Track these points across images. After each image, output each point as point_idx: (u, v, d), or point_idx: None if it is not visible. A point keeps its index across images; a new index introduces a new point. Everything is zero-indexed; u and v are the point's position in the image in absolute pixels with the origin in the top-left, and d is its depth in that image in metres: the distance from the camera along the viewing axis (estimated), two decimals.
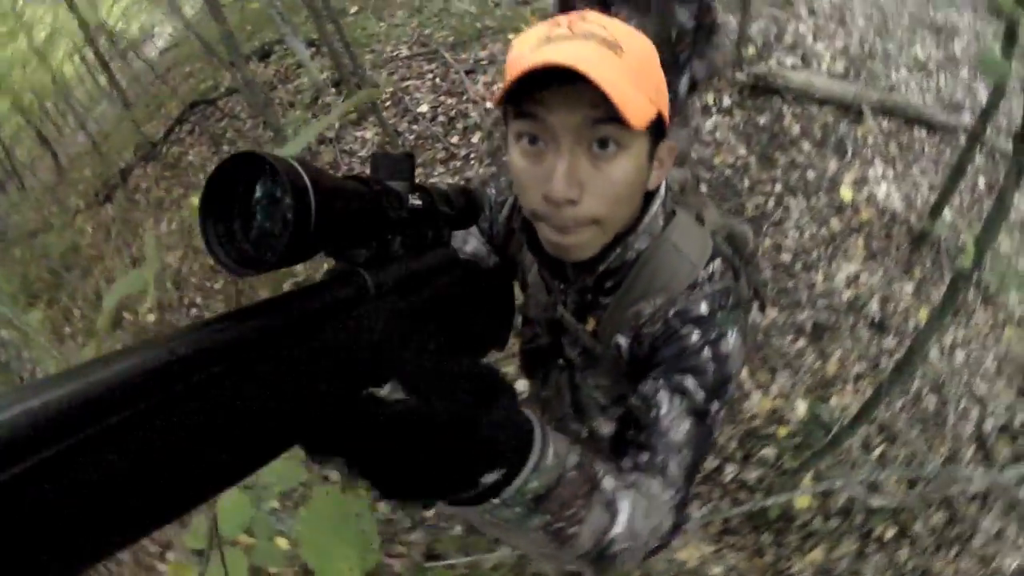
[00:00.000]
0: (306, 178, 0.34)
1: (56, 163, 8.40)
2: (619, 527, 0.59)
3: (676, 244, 0.77)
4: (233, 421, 0.29)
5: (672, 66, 1.83)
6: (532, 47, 0.64)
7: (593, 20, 0.65)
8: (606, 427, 1.02)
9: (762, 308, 0.96)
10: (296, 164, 0.35)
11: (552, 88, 0.61)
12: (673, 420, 0.69)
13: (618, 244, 0.75)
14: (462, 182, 3.24)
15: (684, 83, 1.89)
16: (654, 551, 0.69)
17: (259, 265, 0.36)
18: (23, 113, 9.28)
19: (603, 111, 0.59)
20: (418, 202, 0.50)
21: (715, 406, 0.71)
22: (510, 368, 2.43)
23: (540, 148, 0.66)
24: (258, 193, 0.36)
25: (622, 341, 0.81)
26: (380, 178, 0.49)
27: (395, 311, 0.44)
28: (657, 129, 0.68)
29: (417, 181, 0.52)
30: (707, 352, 0.71)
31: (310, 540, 0.77)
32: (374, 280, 0.43)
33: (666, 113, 0.69)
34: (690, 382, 0.70)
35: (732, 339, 0.72)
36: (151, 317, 3.98)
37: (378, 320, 0.42)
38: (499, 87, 0.65)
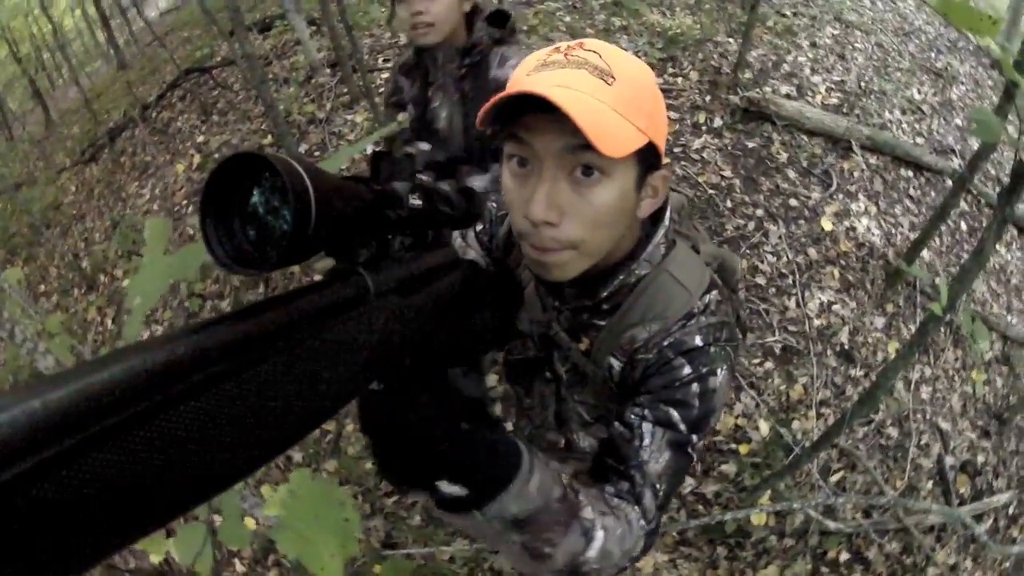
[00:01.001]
0: (306, 178, 0.34)
1: (46, 116, 8.26)
2: (592, 551, 0.62)
3: (674, 274, 0.78)
4: (233, 421, 0.29)
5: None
6: (528, 71, 0.66)
7: (590, 47, 0.66)
8: (585, 440, 1.03)
9: (743, 335, 0.98)
10: (296, 164, 0.34)
11: (538, 114, 0.62)
12: (653, 453, 0.71)
13: (621, 270, 0.77)
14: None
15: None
16: (623, 568, 0.71)
17: (259, 265, 0.36)
18: (19, 62, 9.12)
19: (584, 139, 0.60)
20: (418, 202, 0.50)
21: (696, 438, 0.73)
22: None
23: (528, 171, 0.68)
24: (258, 193, 0.36)
25: (615, 363, 0.83)
26: (380, 178, 0.49)
27: (395, 311, 0.44)
28: (648, 157, 0.69)
29: (417, 181, 0.52)
30: (695, 387, 0.73)
31: (291, 527, 0.77)
32: (374, 280, 0.43)
33: (660, 142, 0.70)
34: (675, 415, 0.72)
35: (721, 376, 0.74)
36: (126, 283, 3.94)
37: (378, 320, 0.42)
38: None
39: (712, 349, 0.75)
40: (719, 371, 0.74)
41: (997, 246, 3.56)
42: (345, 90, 3.70)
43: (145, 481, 0.24)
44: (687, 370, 0.74)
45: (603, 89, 0.63)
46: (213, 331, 0.30)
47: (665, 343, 0.76)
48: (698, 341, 0.75)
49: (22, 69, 9.14)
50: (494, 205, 0.98)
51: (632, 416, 0.73)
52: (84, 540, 0.22)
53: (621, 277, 0.78)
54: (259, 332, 0.32)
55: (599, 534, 0.62)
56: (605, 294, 0.79)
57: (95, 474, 0.22)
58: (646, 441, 0.72)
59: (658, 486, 0.71)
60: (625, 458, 0.72)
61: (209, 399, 0.28)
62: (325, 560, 0.76)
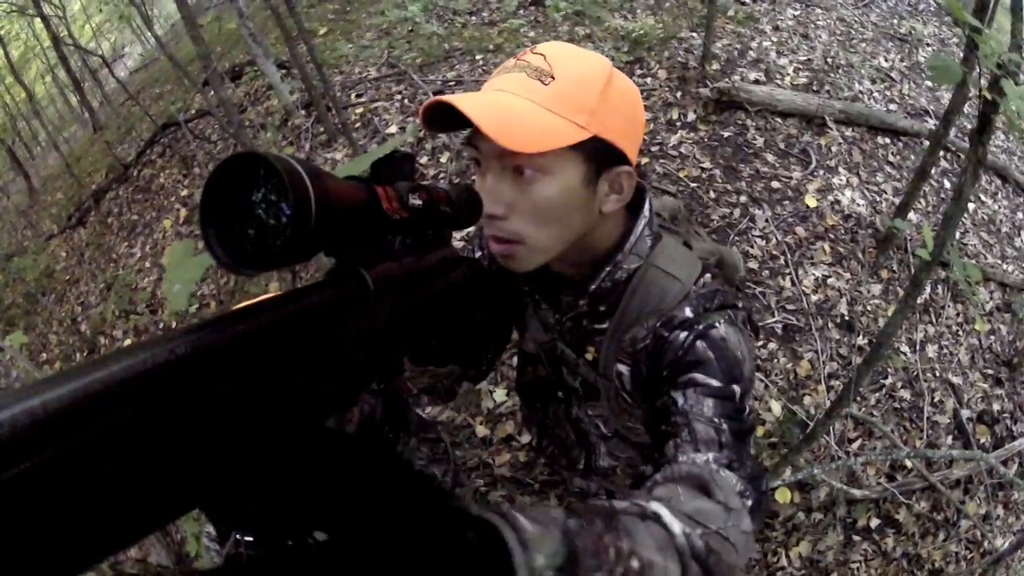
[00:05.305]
0: (306, 178, 0.34)
1: (29, 185, 8.29)
2: (672, 522, 0.49)
3: (663, 267, 0.78)
4: (234, 421, 0.28)
5: None
6: (490, 79, 0.71)
7: (539, 51, 0.70)
8: (605, 459, 1.03)
9: (756, 333, 0.97)
10: (296, 164, 0.34)
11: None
12: (693, 405, 0.66)
13: (607, 264, 0.77)
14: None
15: None
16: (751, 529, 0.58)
17: (259, 265, 0.35)
18: None
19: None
20: (418, 202, 0.49)
21: (735, 388, 0.68)
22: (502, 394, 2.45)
23: (482, 171, 0.71)
24: (258, 193, 0.36)
25: (623, 369, 0.82)
26: (380, 178, 0.48)
27: (395, 310, 0.44)
28: (597, 153, 0.70)
29: (417, 181, 0.52)
30: (700, 344, 0.70)
31: None
32: (374, 280, 0.43)
33: (615, 138, 0.70)
34: (698, 376, 0.68)
35: (722, 328, 0.72)
36: (127, 342, 3.94)
37: (378, 319, 0.41)
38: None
39: (703, 315, 0.74)
40: (718, 324, 0.72)
41: (983, 197, 3.59)
42: (322, 129, 3.73)
43: (147, 481, 0.24)
44: (683, 335, 0.72)
45: (536, 89, 0.66)
46: (213, 331, 0.29)
47: (658, 324, 0.76)
48: (688, 312, 0.74)
49: (0, 139, 9.18)
50: None
51: (661, 402, 0.69)
52: (84, 540, 0.22)
53: (608, 269, 0.78)
54: (259, 332, 0.32)
55: (656, 505, 0.51)
56: (594, 287, 0.79)
57: (96, 474, 0.22)
58: (680, 402, 0.67)
59: (715, 421, 0.64)
60: (670, 431, 0.66)
61: (209, 399, 0.27)
62: None
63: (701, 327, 0.71)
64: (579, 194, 0.70)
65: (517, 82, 0.66)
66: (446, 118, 0.66)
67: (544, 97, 0.65)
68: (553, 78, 0.66)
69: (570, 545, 0.40)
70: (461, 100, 0.62)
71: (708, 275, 0.79)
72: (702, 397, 0.66)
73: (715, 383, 0.67)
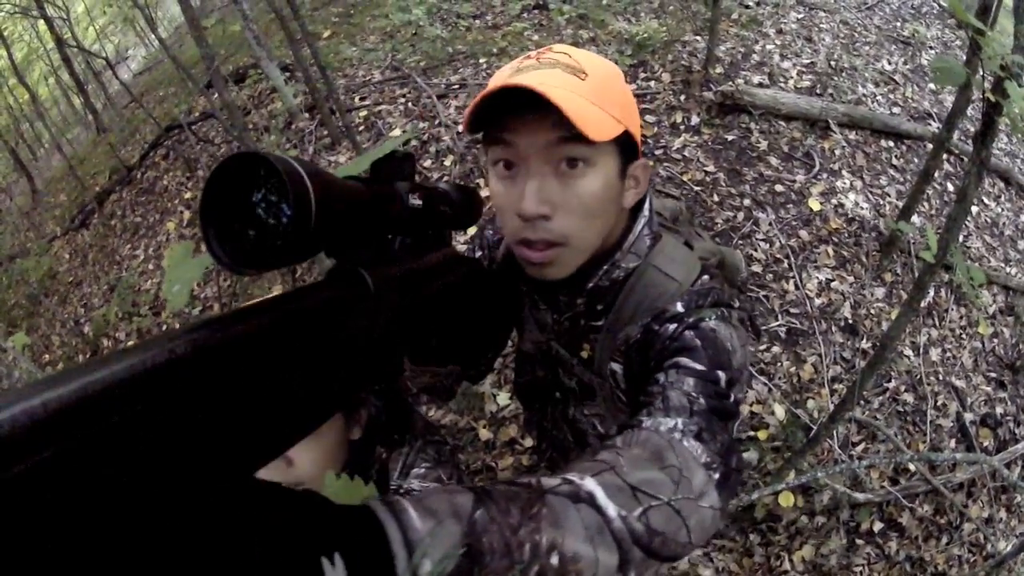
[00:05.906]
0: (306, 178, 0.34)
1: (32, 186, 8.31)
2: (607, 505, 0.45)
3: (661, 267, 0.78)
4: (233, 421, 0.28)
5: None
6: (503, 79, 0.68)
7: (559, 50, 0.70)
8: None
9: (756, 336, 0.97)
10: (296, 164, 0.35)
11: (519, 113, 0.64)
12: (673, 381, 0.64)
13: (604, 262, 0.77)
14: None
15: None
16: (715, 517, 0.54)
17: (259, 264, 0.35)
18: None
19: (566, 130, 0.62)
20: (418, 202, 0.50)
21: (720, 374, 0.65)
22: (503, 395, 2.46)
23: (514, 172, 0.69)
24: (258, 192, 0.36)
25: (616, 368, 0.82)
26: (381, 178, 0.49)
27: (395, 310, 0.44)
28: (626, 147, 0.71)
29: (417, 181, 0.52)
30: (688, 333, 0.70)
31: None
32: (374, 280, 0.43)
33: (635, 131, 0.72)
34: (683, 360, 0.67)
35: (712, 322, 0.70)
36: (130, 344, 3.95)
37: (378, 319, 0.41)
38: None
39: (694, 310, 0.73)
40: (708, 318, 0.70)
41: (986, 200, 3.59)
42: (325, 132, 3.73)
43: (146, 481, 0.24)
44: (672, 326, 0.71)
45: (577, 84, 0.65)
46: (213, 331, 0.29)
47: (649, 319, 0.75)
48: (679, 307, 0.74)
49: (3, 141, 9.20)
50: (490, 232, 0.98)
51: (646, 389, 0.66)
52: (83, 541, 0.21)
53: (606, 267, 0.77)
54: (259, 332, 0.31)
55: (591, 482, 0.46)
56: (591, 285, 0.79)
57: (95, 474, 0.22)
58: (662, 379, 0.65)
59: (691, 395, 0.61)
60: (648, 403, 0.63)
61: (209, 399, 0.27)
62: None
63: (691, 320, 0.71)
64: (615, 186, 0.71)
65: (557, 77, 0.65)
66: (490, 113, 0.65)
67: (585, 91, 0.65)
68: (586, 74, 0.66)
69: (473, 542, 0.36)
70: (539, 87, 0.60)
71: (707, 276, 0.79)
72: (684, 376, 0.64)
73: (699, 367, 0.65)
